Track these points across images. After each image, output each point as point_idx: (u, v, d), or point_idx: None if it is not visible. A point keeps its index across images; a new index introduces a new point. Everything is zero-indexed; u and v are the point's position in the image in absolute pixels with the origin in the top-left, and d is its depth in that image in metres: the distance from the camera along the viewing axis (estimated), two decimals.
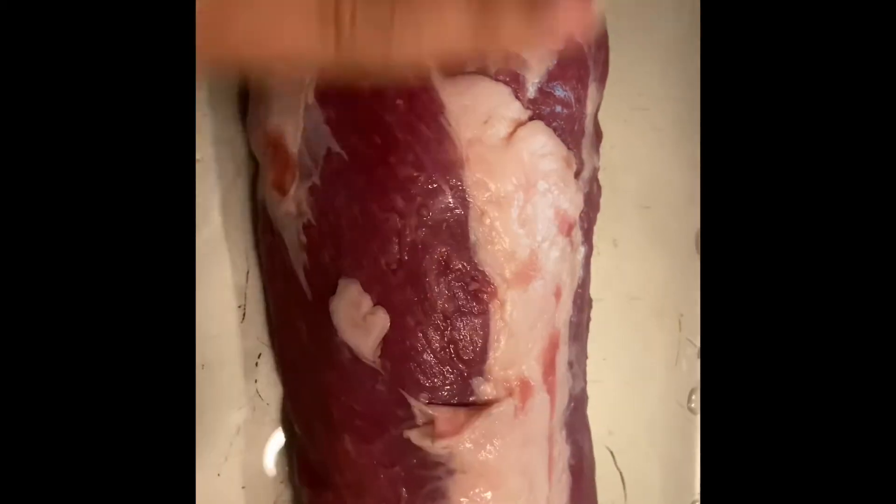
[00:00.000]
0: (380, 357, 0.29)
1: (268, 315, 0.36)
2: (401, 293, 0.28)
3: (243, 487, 0.37)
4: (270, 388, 0.37)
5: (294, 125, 0.29)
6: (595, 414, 0.37)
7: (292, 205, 0.30)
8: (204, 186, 0.35)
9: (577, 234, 0.32)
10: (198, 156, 0.35)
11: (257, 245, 0.35)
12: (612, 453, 0.44)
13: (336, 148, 0.28)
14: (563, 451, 0.33)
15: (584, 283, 0.34)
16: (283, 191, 0.30)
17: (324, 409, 0.30)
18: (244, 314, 0.36)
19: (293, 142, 0.29)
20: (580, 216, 0.32)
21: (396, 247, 0.28)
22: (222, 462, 0.36)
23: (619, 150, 0.42)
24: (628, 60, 0.41)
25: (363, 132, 0.28)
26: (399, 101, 0.27)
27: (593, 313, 0.37)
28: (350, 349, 0.29)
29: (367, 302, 0.28)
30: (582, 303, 0.34)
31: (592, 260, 0.43)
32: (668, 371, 0.45)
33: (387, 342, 0.29)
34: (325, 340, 0.30)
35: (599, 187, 0.36)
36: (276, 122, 0.30)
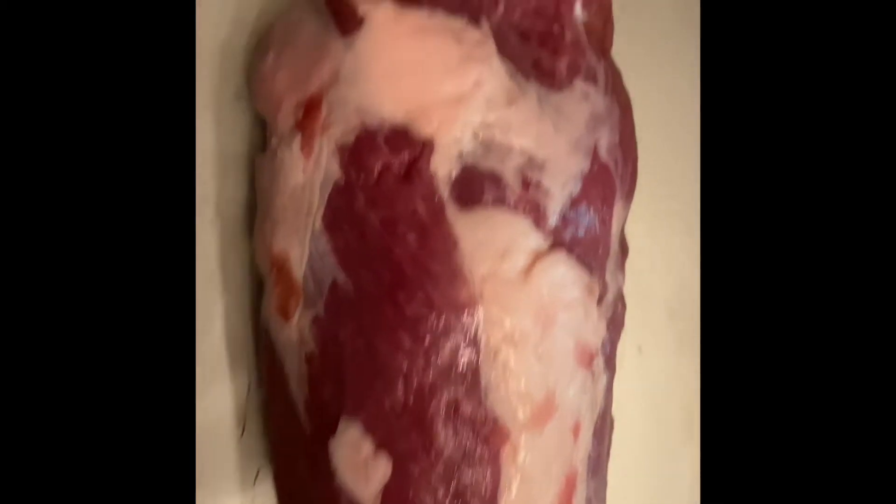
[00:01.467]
0: None
1: (268, 432, 0.34)
2: (405, 439, 0.26)
3: None
4: None
5: (300, 250, 0.27)
6: None
7: (295, 332, 0.28)
8: (207, 296, 0.34)
9: (599, 363, 0.30)
10: (203, 264, 0.33)
11: (259, 360, 0.33)
12: None
13: (342, 279, 0.27)
14: None
15: (605, 411, 0.32)
16: (286, 315, 0.28)
17: None
18: (244, 429, 0.34)
19: (298, 267, 0.28)
20: (602, 342, 0.30)
21: (402, 389, 0.26)
22: None
23: (646, 255, 0.40)
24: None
25: (372, 265, 0.26)
26: (410, 236, 0.26)
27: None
28: (348, 495, 0.27)
29: (368, 445, 0.26)
30: (602, 432, 0.32)
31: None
32: (693, 482, 0.43)
33: (388, 491, 0.26)
34: (323, 482, 0.27)
35: (624, 305, 0.34)
36: (281, 244, 0.28)
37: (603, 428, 0.32)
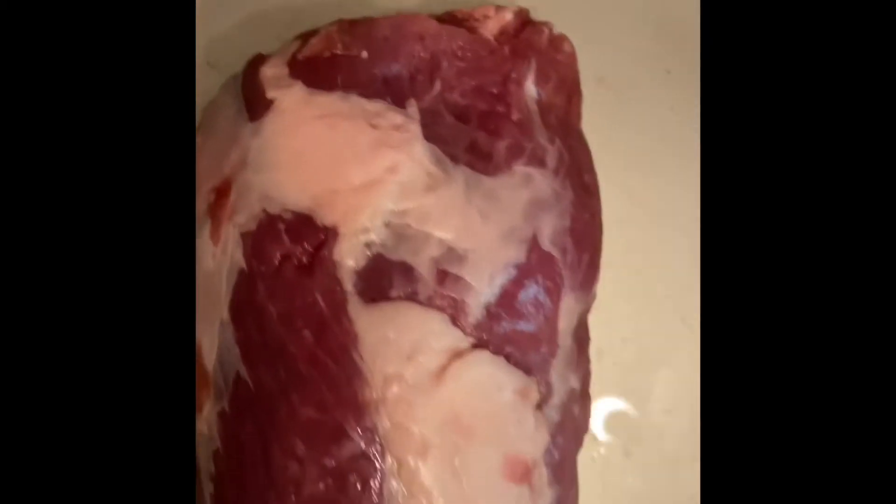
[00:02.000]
0: None
1: None
2: None
3: None
4: None
5: (210, 340, 0.26)
6: None
7: (205, 426, 0.26)
8: None
9: (542, 476, 0.27)
10: None
11: None
12: None
13: (245, 373, 0.25)
14: None
15: None
16: (199, 409, 0.27)
17: None
18: None
19: (209, 358, 0.26)
20: (546, 453, 0.27)
21: (294, 499, 0.24)
22: None
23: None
24: None
25: (269, 361, 0.24)
26: (306, 332, 0.24)
27: None
28: None
29: None
30: None
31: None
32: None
33: None
34: None
35: (586, 408, 0.30)
36: (198, 333, 0.27)
37: None
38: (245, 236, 0.25)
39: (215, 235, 0.26)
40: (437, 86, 0.27)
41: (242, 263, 0.25)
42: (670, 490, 0.37)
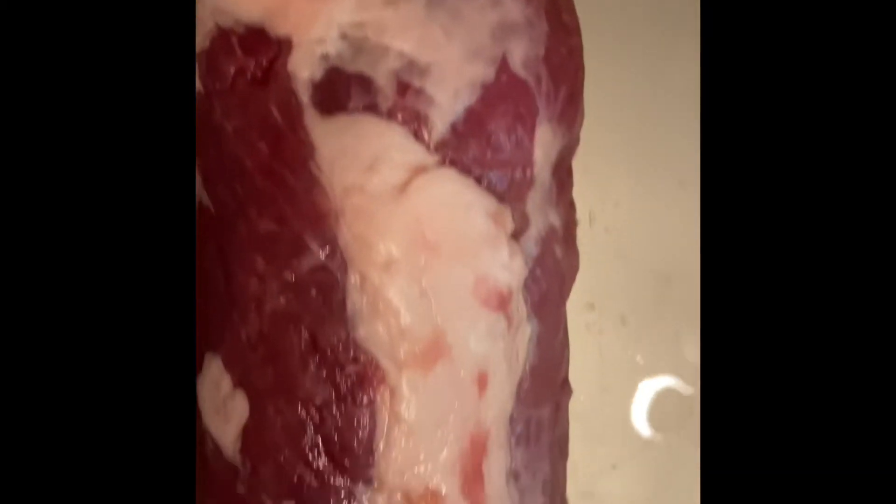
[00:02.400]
0: (240, 451, 0.24)
1: None
2: (261, 373, 0.23)
3: None
4: None
5: None
6: None
7: None
8: None
9: (519, 309, 0.26)
10: None
11: None
12: None
13: (206, 200, 0.24)
14: None
15: (540, 371, 0.27)
16: None
17: None
18: None
19: None
20: (525, 286, 0.26)
21: (256, 316, 0.23)
22: None
23: (627, 209, 0.35)
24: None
25: (227, 180, 0.24)
26: (261, 144, 0.23)
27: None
28: (213, 439, 0.24)
29: (227, 382, 0.24)
30: (538, 395, 0.27)
31: (595, 340, 0.36)
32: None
33: (247, 433, 0.23)
34: (198, 427, 0.25)
35: (573, 250, 0.29)
36: None
37: (539, 389, 0.27)
38: (200, 56, 0.24)
39: None
40: None
41: (199, 85, 0.24)
42: (670, 361, 0.36)
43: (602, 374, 0.34)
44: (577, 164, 0.30)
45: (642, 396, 0.35)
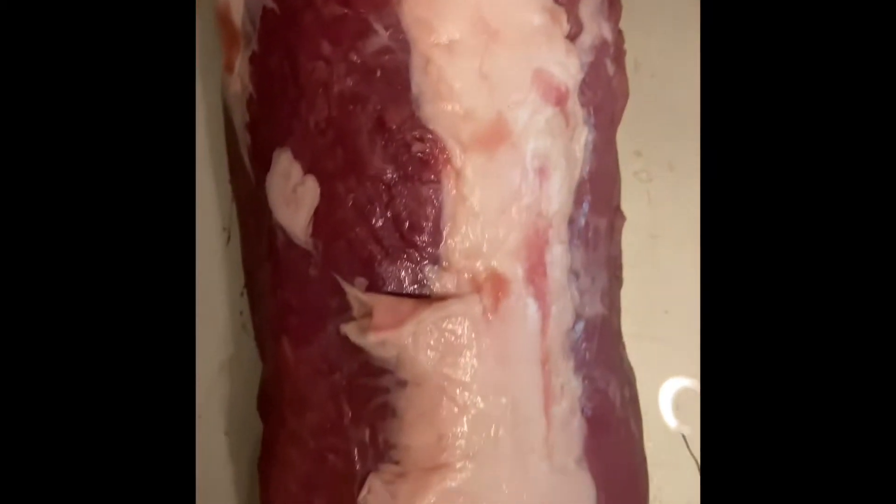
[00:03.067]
0: (311, 236, 0.24)
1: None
2: (331, 156, 0.24)
3: (225, 434, 0.33)
4: None
5: None
6: None
7: (237, 82, 0.27)
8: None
9: (576, 111, 0.26)
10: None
11: None
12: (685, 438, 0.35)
13: (270, 3, 0.25)
14: (570, 387, 0.26)
15: (597, 180, 0.28)
16: (230, 68, 0.27)
17: (266, 309, 0.26)
18: (229, 237, 0.33)
19: (237, 10, 0.27)
20: (580, 90, 0.27)
21: (324, 100, 0.24)
22: (203, 404, 0.33)
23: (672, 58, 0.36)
24: None
25: None
26: None
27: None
28: (283, 231, 0.25)
29: (296, 170, 0.24)
30: (596, 204, 0.28)
31: (642, 187, 0.36)
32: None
33: (318, 216, 0.24)
34: (264, 227, 0.26)
35: (624, 76, 0.30)
36: None
37: (593, 197, 0.27)
38: None
39: None
40: None
41: None
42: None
43: (652, 219, 0.35)
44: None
45: (691, 243, 0.35)
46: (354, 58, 0.24)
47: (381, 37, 0.24)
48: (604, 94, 0.28)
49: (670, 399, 0.35)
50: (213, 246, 0.33)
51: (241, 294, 0.33)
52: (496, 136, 0.24)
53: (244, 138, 0.27)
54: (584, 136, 0.27)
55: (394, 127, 0.24)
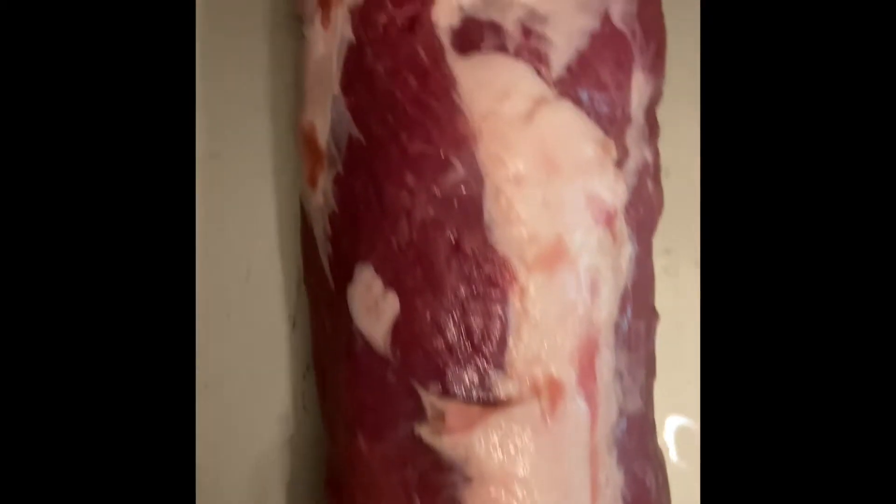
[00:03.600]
0: (391, 344, 0.27)
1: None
2: (411, 274, 0.27)
3: None
4: (316, 402, 0.36)
5: (323, 117, 0.30)
6: None
7: (321, 197, 0.30)
8: (263, 197, 0.37)
9: (622, 229, 0.30)
10: (257, 169, 0.37)
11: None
12: None
13: (356, 133, 0.29)
14: (612, 478, 0.29)
15: (637, 288, 0.31)
16: (314, 183, 0.31)
17: (340, 404, 0.29)
18: (294, 323, 0.36)
19: (323, 134, 0.30)
20: (626, 210, 0.30)
21: (406, 225, 0.27)
22: (266, 479, 0.35)
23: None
24: None
25: (379, 113, 0.28)
26: (411, 79, 0.27)
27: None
28: (363, 337, 0.28)
29: (378, 284, 0.27)
30: (636, 309, 0.31)
31: (666, 277, 0.39)
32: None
33: (397, 327, 0.27)
34: (343, 330, 0.29)
35: (660, 189, 0.33)
36: (309, 117, 0.31)
37: (636, 304, 0.31)
38: (353, 11, 0.29)
39: (325, 20, 0.29)
40: None
41: (352, 36, 0.29)
42: None
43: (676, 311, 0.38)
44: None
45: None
46: (435, 189, 0.27)
47: (459, 171, 0.27)
48: (645, 211, 0.31)
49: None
50: (280, 331, 0.36)
51: (304, 377, 0.36)
52: (556, 256, 0.27)
53: (325, 248, 0.30)
54: (628, 250, 0.30)
55: (468, 250, 0.27)
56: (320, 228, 0.30)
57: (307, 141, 0.31)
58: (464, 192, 0.27)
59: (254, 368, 0.36)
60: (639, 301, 0.31)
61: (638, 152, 0.31)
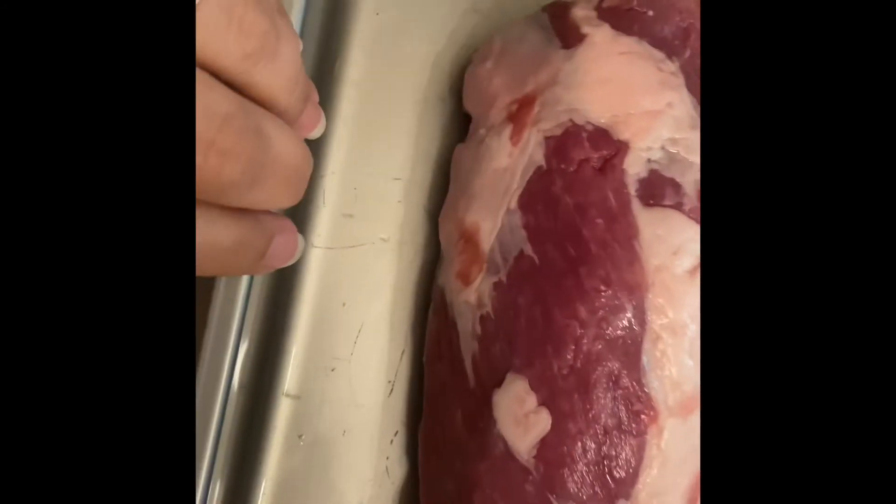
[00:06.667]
0: (534, 457, 0.29)
1: (412, 396, 0.37)
2: (567, 399, 0.29)
3: None
4: (398, 468, 0.38)
5: (492, 224, 0.32)
6: None
7: (473, 295, 0.32)
8: (382, 264, 0.38)
9: None
10: (384, 235, 0.38)
11: (415, 326, 0.37)
12: None
13: (529, 251, 0.31)
14: None
15: None
16: (466, 281, 0.32)
17: (466, 498, 0.31)
18: (392, 389, 0.38)
19: (487, 239, 0.32)
20: None
21: (571, 354, 0.29)
22: None
23: None
24: None
25: (560, 242, 0.30)
26: (599, 220, 0.29)
27: None
28: (506, 443, 0.30)
29: (531, 400, 0.30)
30: None
31: None
32: None
33: (544, 444, 0.29)
34: (482, 431, 0.31)
35: None
36: (474, 217, 0.32)
37: None
38: (549, 139, 0.31)
39: (516, 137, 0.31)
40: (688, 52, 0.34)
41: (542, 161, 0.31)
42: None
43: None
44: None
45: None
46: (605, 327, 0.29)
47: (627, 313, 0.29)
48: None
49: None
50: (376, 396, 0.38)
51: (391, 441, 0.38)
52: (692, 405, 0.30)
53: (470, 345, 0.32)
54: None
55: (625, 387, 0.29)
56: (467, 325, 0.32)
57: (467, 239, 0.33)
58: (628, 334, 0.29)
59: (348, 426, 0.37)
60: None
61: None
